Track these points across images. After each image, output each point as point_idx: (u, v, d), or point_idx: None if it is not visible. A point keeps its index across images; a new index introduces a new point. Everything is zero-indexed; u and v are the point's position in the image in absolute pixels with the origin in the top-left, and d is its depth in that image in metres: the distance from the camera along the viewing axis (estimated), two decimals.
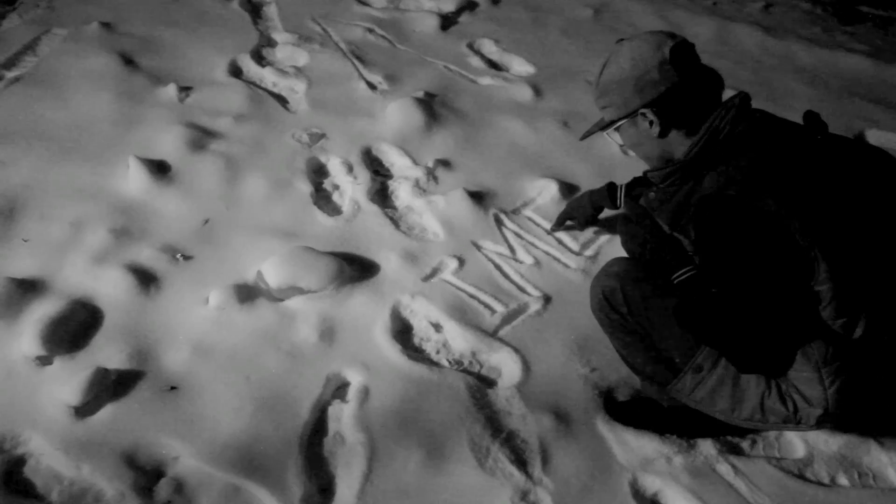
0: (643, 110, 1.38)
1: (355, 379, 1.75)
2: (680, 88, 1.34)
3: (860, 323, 1.30)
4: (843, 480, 1.58)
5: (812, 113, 1.38)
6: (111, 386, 1.67)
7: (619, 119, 1.43)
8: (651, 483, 1.55)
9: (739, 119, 1.34)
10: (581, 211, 2.16)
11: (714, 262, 1.29)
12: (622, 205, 2.03)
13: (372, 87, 3.01)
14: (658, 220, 1.49)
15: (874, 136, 2.98)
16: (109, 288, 1.92)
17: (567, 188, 2.41)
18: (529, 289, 2.04)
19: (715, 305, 1.29)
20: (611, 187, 2.06)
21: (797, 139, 1.33)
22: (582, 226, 2.23)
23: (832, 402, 1.35)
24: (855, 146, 1.39)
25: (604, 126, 1.50)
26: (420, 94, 2.90)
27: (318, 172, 2.52)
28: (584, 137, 1.63)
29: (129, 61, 3.00)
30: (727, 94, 1.40)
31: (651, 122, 1.38)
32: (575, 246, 2.22)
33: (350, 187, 2.43)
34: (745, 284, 1.26)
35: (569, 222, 2.23)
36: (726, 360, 1.42)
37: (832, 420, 1.39)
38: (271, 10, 3.65)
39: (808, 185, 1.26)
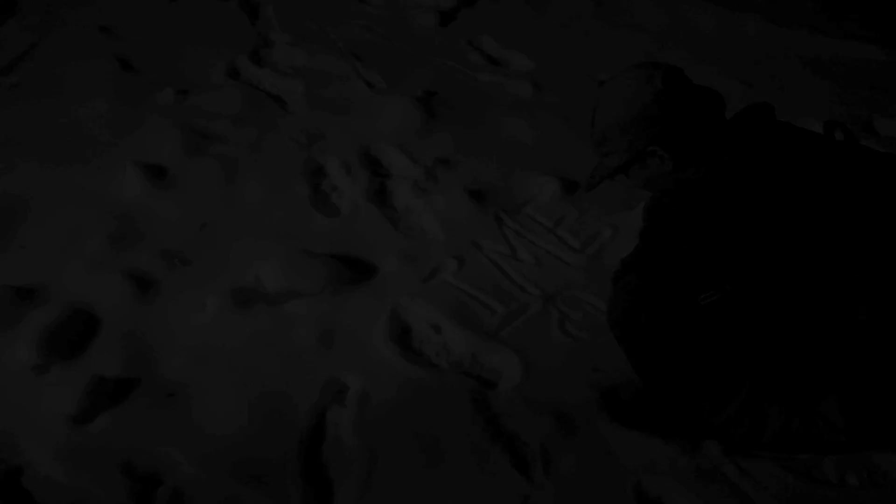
0: (651, 148, 1.32)
1: (354, 383, 1.73)
2: (683, 117, 1.29)
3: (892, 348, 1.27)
4: (852, 480, 1.53)
5: (835, 123, 1.32)
6: (108, 394, 1.66)
7: (627, 163, 1.37)
8: (656, 485, 1.52)
9: (765, 138, 1.28)
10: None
11: (755, 296, 1.25)
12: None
13: (370, 85, 2.99)
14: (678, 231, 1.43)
15: (883, 126, 2.91)
16: (107, 294, 1.91)
17: (569, 185, 2.38)
18: (530, 288, 2.01)
19: (753, 341, 1.27)
20: None
21: (832, 160, 1.27)
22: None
23: (858, 427, 1.33)
24: (888, 161, 1.33)
25: (611, 173, 1.43)
26: (419, 92, 2.87)
27: (316, 173, 2.50)
28: (589, 190, 1.52)
29: (126, 65, 2.99)
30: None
31: (662, 158, 1.33)
32: (577, 244, 2.19)
33: (348, 188, 2.41)
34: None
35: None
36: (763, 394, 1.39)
37: (858, 445, 1.37)
38: (269, 11, 3.63)
39: (851, 217, 1.22)
